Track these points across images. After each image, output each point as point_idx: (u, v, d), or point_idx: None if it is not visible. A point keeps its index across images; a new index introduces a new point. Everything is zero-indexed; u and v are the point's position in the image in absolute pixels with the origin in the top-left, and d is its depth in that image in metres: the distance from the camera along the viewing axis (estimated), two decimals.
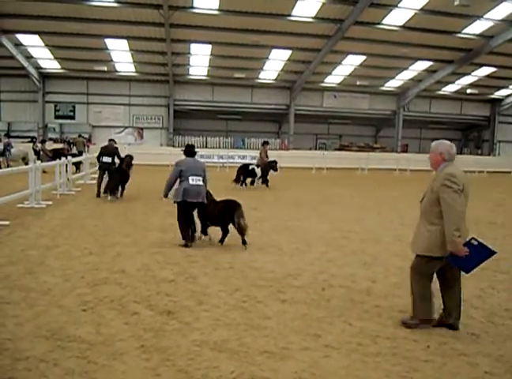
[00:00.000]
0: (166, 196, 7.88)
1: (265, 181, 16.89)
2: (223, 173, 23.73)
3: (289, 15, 21.04)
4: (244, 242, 7.43)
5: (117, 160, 13.51)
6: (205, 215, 7.67)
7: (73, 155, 19.39)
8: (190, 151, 7.77)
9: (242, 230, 7.36)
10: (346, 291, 5.45)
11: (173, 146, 30.21)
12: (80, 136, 25.60)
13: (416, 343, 4.13)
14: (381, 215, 11.20)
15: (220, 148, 31.10)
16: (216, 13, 20.66)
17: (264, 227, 9.30)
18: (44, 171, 14.41)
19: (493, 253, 4.44)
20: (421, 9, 20.40)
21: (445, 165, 4.40)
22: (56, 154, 19.35)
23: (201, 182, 7.49)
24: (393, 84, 32.14)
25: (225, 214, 7.43)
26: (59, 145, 24.38)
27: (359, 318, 4.65)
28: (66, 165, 14.14)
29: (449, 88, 33.02)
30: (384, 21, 21.79)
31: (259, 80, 31.14)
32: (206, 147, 31.18)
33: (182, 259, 6.61)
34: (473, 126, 38.20)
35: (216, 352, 3.85)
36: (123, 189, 12.93)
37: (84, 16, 21.09)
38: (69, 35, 23.12)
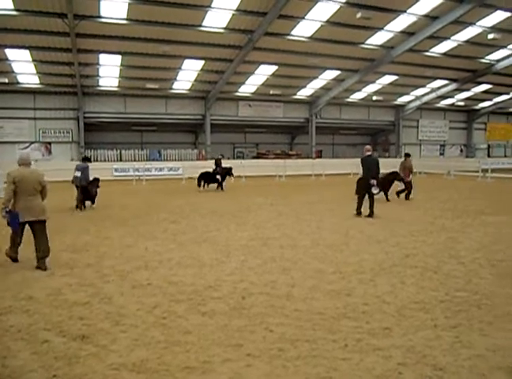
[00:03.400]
0: None
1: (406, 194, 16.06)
2: (139, 186, 23.12)
3: (200, 25, 21.05)
4: None
5: None
6: None
7: None
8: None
9: None
10: (266, 298, 5.49)
11: None
12: None
13: (334, 342, 4.25)
14: (299, 220, 11.47)
15: (135, 160, 30.26)
16: (124, 22, 20.14)
17: (182, 239, 9.14)
18: None
19: (16, 215, 6.79)
20: (327, 21, 21.36)
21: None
22: None
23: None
24: (304, 92, 33.29)
25: None
26: None
27: (279, 323, 4.69)
28: None
29: (357, 96, 34.88)
30: (293, 32, 22.52)
31: (173, 91, 30.78)
32: (121, 160, 30.21)
33: (97, 280, 6.29)
34: (381, 131, 40.66)
35: (134, 374, 3.69)
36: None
37: None
38: None
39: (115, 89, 29.65)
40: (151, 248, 8.29)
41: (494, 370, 3.73)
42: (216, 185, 20.32)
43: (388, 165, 30.17)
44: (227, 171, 20.84)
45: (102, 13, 19.35)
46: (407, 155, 17.10)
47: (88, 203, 14.16)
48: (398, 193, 16.26)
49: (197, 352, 4.06)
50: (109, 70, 26.47)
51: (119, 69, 26.18)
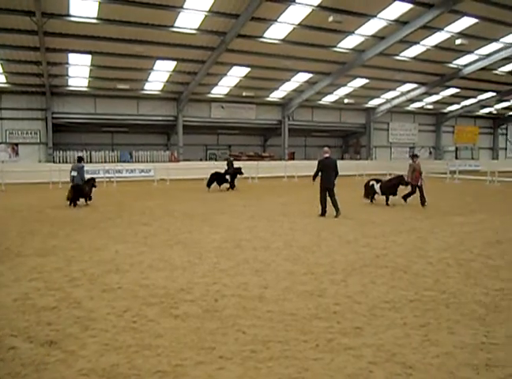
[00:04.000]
0: None
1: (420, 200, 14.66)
2: (110, 188, 22.77)
3: (172, 26, 20.90)
4: None
5: None
6: None
7: None
8: None
9: None
10: (239, 300, 5.47)
11: (53, 162, 28.26)
12: None
13: (305, 343, 4.27)
14: (271, 222, 11.51)
15: (105, 162, 29.79)
16: (94, 21, 19.79)
17: (154, 242, 9.04)
18: None
19: None
20: (299, 24, 21.53)
21: None
22: None
23: None
24: (277, 94, 33.47)
25: None
26: None
27: (251, 325, 4.69)
28: None
29: (329, 98, 35.29)
30: (265, 35, 22.61)
31: (145, 92, 30.45)
32: (91, 161, 29.68)
33: (66, 284, 6.15)
34: (352, 133, 41.20)
35: None
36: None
37: None
38: None
39: (85, 89, 29.14)
40: (121, 251, 8.16)
41: (461, 367, 3.82)
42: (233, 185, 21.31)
43: (359, 167, 30.80)
44: (237, 171, 21.50)
45: (71, 12, 18.99)
46: (414, 157, 15.47)
47: (83, 201, 15.31)
48: (405, 197, 15.08)
49: (168, 356, 4.02)
50: (79, 70, 26.00)
51: (89, 68, 25.74)
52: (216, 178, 20.85)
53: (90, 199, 15.46)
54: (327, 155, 12.48)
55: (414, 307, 5.23)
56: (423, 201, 14.64)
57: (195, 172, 27.71)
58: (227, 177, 21.01)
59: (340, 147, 42.56)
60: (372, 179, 15.68)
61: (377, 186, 15.08)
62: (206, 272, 6.72)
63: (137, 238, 9.45)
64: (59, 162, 28.84)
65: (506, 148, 48.16)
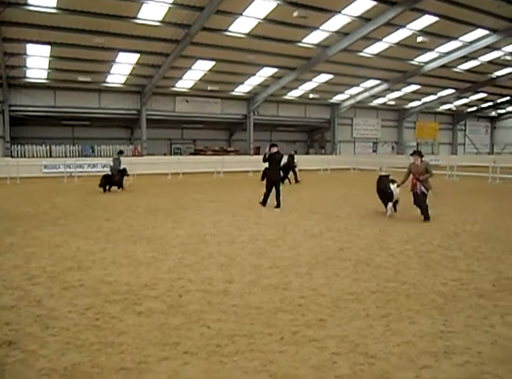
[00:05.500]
0: None
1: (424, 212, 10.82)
2: (71, 183, 22.19)
3: (135, 17, 20.46)
4: None
5: None
6: None
7: None
8: None
9: None
10: (203, 295, 5.45)
11: (11, 157, 27.29)
12: None
13: (270, 336, 4.30)
14: (237, 216, 11.49)
15: (66, 156, 29.03)
16: (54, 11, 19.15)
17: (117, 237, 8.87)
18: None
19: None
20: (264, 19, 21.51)
21: None
22: None
23: None
24: (242, 89, 33.38)
25: None
26: None
27: (217, 320, 4.68)
28: None
29: (294, 93, 35.49)
30: (230, 28, 22.46)
31: (107, 84, 29.74)
32: (51, 156, 28.86)
33: (24, 282, 5.95)
34: (317, 128, 41.64)
35: None
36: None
37: None
38: None
39: (44, 81, 28.20)
40: (83, 247, 7.97)
41: (421, 355, 3.93)
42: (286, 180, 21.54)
43: (323, 162, 31.21)
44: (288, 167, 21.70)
45: (29, 1, 18.32)
46: (414, 154, 11.22)
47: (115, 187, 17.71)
48: (425, 217, 10.77)
49: (132, 353, 3.96)
50: (37, 61, 25.13)
51: (49, 60, 24.92)
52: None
53: (122, 187, 17.85)
54: (275, 149, 13.20)
55: (376, 298, 5.35)
56: (424, 215, 10.83)
57: (159, 167, 27.39)
58: None
59: (306, 141, 42.97)
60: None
61: (395, 188, 11.49)
62: (171, 268, 6.65)
63: (99, 234, 9.25)
64: (18, 156, 27.90)
65: (464, 144, 49.84)
